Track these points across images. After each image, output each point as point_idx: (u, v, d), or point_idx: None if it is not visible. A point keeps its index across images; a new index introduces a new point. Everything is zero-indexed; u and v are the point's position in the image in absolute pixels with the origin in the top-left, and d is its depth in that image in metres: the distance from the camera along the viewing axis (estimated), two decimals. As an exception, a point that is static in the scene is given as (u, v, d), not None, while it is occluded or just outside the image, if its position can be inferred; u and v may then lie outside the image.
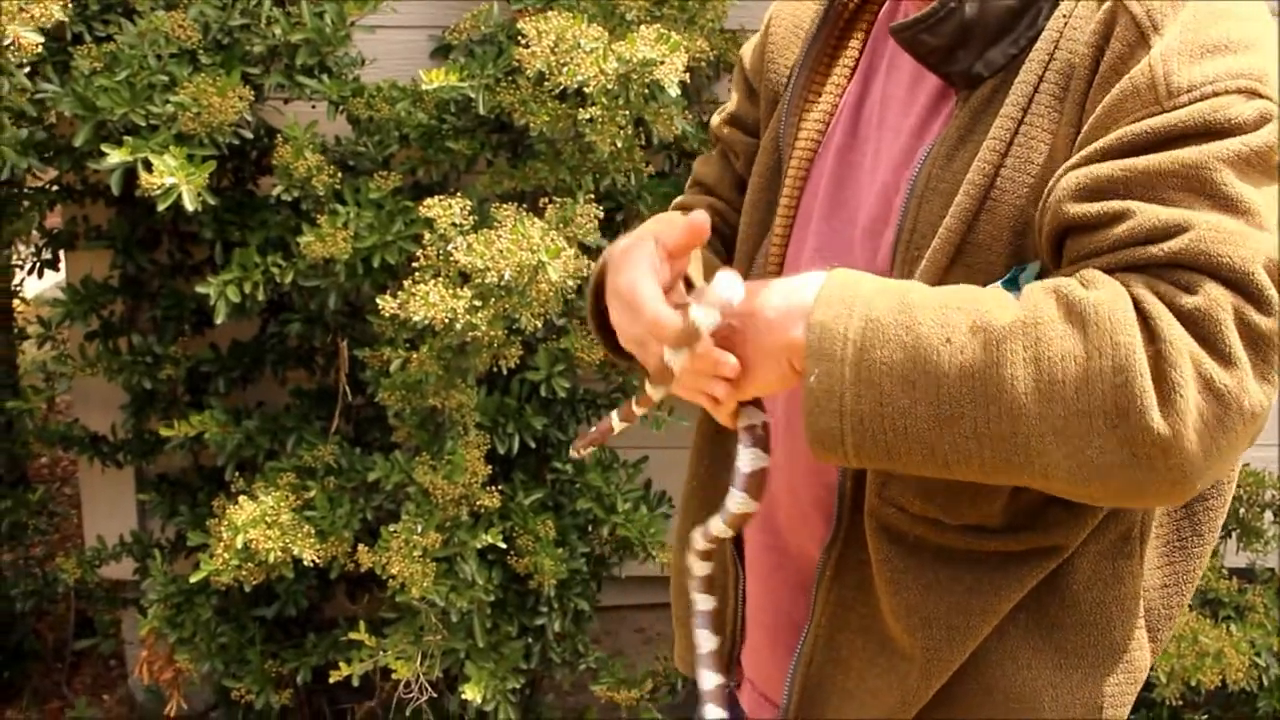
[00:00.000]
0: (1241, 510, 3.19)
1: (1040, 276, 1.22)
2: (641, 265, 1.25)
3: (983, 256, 1.25)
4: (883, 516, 1.31)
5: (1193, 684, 2.84)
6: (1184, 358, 1.06)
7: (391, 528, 2.58)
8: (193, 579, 2.63)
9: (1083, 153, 1.17)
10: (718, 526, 1.33)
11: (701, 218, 1.24)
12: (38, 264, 3.32)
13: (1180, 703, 2.92)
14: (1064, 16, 1.25)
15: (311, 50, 2.73)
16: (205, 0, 2.68)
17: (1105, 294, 1.09)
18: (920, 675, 1.33)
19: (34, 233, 3.12)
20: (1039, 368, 1.08)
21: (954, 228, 1.25)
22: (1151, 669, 1.42)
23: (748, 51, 1.61)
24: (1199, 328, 1.08)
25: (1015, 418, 1.09)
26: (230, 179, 2.96)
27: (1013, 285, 1.21)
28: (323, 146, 2.75)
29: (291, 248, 2.69)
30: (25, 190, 3.01)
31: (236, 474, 2.85)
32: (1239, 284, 1.08)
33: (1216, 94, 1.13)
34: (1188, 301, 1.08)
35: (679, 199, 1.69)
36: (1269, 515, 3.18)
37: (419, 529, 2.55)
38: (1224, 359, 1.07)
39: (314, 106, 2.82)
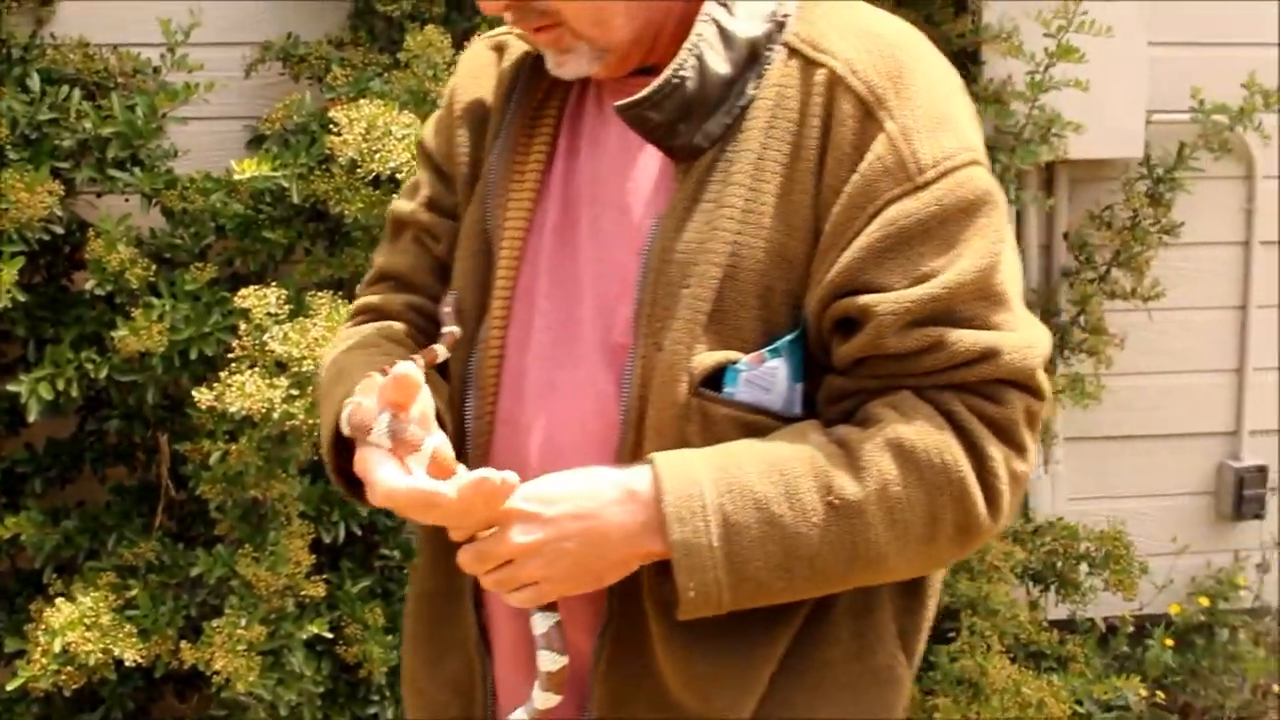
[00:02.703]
0: (1058, 563, 3.29)
1: (796, 343, 1.31)
2: (372, 459, 1.26)
3: (731, 323, 1.30)
4: (663, 593, 1.31)
5: (1018, 736, 2.91)
6: (1000, 465, 1.29)
7: (215, 622, 2.54)
8: (10, 687, 2.55)
9: (859, 243, 1.27)
10: (541, 699, 1.34)
11: (404, 369, 1.24)
12: None
13: (1008, 755, 2.99)
14: (774, 86, 1.32)
15: (123, 143, 2.71)
16: (12, 95, 2.65)
17: (930, 433, 1.27)
18: None
19: None
20: (893, 519, 1.27)
21: (702, 295, 1.30)
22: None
23: (430, 133, 1.56)
24: (1004, 432, 1.30)
25: (879, 562, 1.29)
26: (42, 275, 2.91)
27: (776, 354, 1.31)
28: (137, 239, 2.72)
29: (106, 343, 2.65)
30: None
31: (55, 576, 2.77)
32: (1028, 387, 1.31)
33: (958, 167, 1.29)
34: (995, 412, 1.29)
35: (363, 300, 1.58)
36: (1084, 567, 3.29)
37: (243, 622, 2.51)
38: (1020, 451, 1.32)
39: (127, 199, 2.80)
